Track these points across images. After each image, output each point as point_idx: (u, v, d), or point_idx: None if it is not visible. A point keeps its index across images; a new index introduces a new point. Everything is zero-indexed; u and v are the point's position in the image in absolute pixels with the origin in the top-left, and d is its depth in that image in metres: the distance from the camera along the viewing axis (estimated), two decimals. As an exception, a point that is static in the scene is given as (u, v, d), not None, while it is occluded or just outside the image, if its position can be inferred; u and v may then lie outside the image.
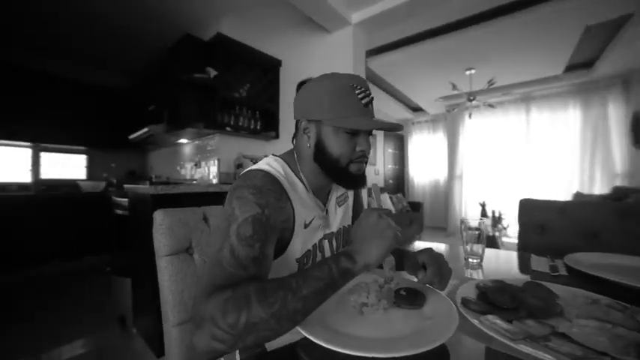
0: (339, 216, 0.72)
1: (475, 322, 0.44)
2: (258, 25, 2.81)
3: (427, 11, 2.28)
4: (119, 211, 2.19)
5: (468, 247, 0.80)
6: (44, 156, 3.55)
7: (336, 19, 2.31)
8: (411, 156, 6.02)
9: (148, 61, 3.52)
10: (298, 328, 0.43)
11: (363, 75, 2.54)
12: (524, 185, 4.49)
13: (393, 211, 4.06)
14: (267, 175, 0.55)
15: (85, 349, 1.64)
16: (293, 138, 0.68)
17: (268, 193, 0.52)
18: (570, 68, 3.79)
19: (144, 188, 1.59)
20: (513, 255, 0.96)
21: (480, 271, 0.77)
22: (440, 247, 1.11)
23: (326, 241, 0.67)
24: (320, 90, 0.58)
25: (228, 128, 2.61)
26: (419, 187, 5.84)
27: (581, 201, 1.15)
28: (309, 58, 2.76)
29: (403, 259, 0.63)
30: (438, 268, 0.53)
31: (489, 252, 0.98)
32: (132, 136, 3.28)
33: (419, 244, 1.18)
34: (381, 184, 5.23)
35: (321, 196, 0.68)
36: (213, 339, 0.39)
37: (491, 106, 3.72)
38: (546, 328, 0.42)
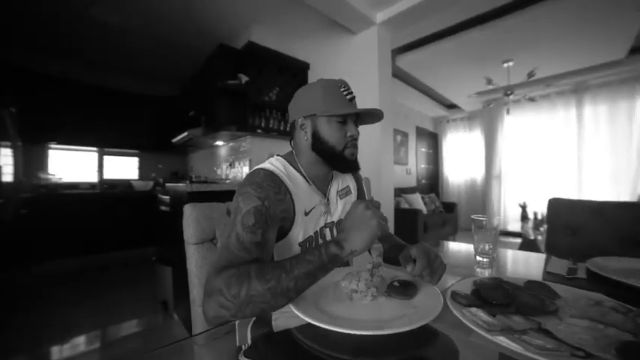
0: (339, 208, 0.77)
1: (457, 313, 0.45)
2: (287, 31, 2.91)
3: (456, 3, 2.19)
4: (163, 208, 2.44)
5: (479, 246, 0.79)
6: (106, 159, 4.05)
7: (360, 20, 2.32)
8: (445, 155, 5.75)
9: (191, 71, 3.84)
10: (291, 307, 0.48)
11: (389, 73, 2.52)
12: (574, 186, 4.06)
13: (425, 211, 3.94)
14: (267, 172, 0.63)
15: (134, 329, 1.87)
16: (290, 140, 0.76)
17: (268, 187, 0.60)
18: (637, 50, 3.33)
19: (181, 186, 1.77)
20: (534, 256, 0.92)
21: (489, 270, 0.76)
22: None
23: (327, 229, 0.74)
24: (313, 90, 0.68)
25: (259, 130, 2.75)
26: (454, 187, 5.56)
27: (620, 202, 1.05)
28: (337, 60, 2.80)
29: (400, 252, 0.66)
30: (427, 261, 0.55)
31: (509, 253, 0.95)
32: (174, 140, 3.60)
33: (452, 246, 1.17)
34: (414, 183, 5.07)
35: (321, 186, 0.75)
36: (220, 307, 0.46)
37: (531, 99, 3.41)
38: (530, 324, 0.42)
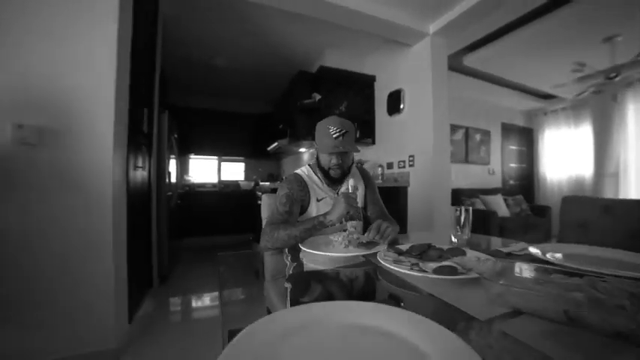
0: None
1: (378, 253, 0.81)
2: (353, 52, 3.35)
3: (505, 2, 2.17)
4: (259, 201, 3.24)
5: (454, 230, 1.05)
6: (223, 165, 5.38)
7: (414, 35, 2.55)
8: (542, 151, 4.99)
9: (279, 92, 4.72)
10: (303, 247, 0.93)
11: (444, 78, 2.63)
12: None
13: (506, 214, 3.66)
14: (295, 174, 1.14)
15: (239, 291, 2.66)
16: None
17: (293, 182, 1.10)
18: None
19: (268, 185, 2.44)
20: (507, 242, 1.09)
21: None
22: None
23: None
24: (317, 130, 1.13)
25: (329, 139, 3.27)
26: (553, 187, 4.77)
27: (629, 199, 1.08)
28: (398, 71, 3.04)
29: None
30: (377, 230, 0.91)
31: (491, 238, 1.15)
32: (269, 148, 4.51)
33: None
34: (498, 184, 4.67)
35: (334, 187, 1.18)
36: (265, 242, 0.97)
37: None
38: (414, 261, 0.76)
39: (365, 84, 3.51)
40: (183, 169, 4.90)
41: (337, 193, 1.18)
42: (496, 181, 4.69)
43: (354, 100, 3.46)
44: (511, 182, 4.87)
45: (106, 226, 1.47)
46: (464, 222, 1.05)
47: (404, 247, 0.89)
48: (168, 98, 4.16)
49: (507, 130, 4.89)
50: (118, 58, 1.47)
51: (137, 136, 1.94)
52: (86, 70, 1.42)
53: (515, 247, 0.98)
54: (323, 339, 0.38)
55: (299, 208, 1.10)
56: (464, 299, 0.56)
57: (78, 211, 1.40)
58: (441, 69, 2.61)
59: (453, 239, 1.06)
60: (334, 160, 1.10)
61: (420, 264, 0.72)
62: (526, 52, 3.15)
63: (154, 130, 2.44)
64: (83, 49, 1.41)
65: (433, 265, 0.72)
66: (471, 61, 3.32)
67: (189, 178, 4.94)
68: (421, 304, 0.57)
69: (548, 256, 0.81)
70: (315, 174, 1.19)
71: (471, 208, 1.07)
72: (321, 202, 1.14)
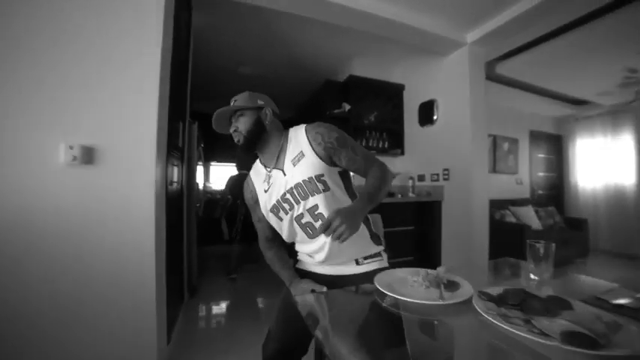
0: (297, 172, 0.93)
1: (475, 301, 0.74)
2: (382, 60, 3.26)
3: (555, 11, 2.05)
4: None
5: (530, 266, 0.97)
6: (241, 170, 5.36)
7: (450, 44, 2.46)
8: (573, 159, 4.78)
9: (304, 98, 4.67)
10: (377, 285, 0.86)
11: (482, 89, 2.53)
12: None
13: (538, 226, 3.50)
14: (244, 178, 1.22)
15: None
16: None
17: (243, 190, 1.21)
18: None
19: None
20: (601, 284, 0.99)
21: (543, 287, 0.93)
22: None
23: (288, 194, 0.95)
24: None
25: (359, 149, 3.20)
26: (586, 198, 4.54)
27: None
28: (430, 81, 2.94)
29: None
30: (326, 227, 0.77)
31: (581, 277, 1.05)
32: (291, 156, 4.46)
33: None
34: (526, 194, 4.49)
35: (267, 165, 1.07)
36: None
37: None
38: (521, 315, 0.67)
39: (394, 93, 3.43)
40: (205, 176, 4.91)
41: (269, 170, 1.04)
42: (524, 191, 4.51)
43: (383, 110, 3.38)
44: (539, 192, 4.67)
45: (149, 240, 1.43)
46: (546, 257, 0.96)
47: (492, 290, 0.81)
48: (192, 105, 4.19)
49: (535, 137, 4.70)
50: (160, 79, 1.45)
51: (173, 152, 1.92)
52: (134, 94, 1.41)
53: (617, 292, 0.88)
54: None
55: (259, 207, 1.08)
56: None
57: (125, 228, 1.37)
58: (478, 79, 2.51)
59: (533, 277, 0.97)
60: (231, 129, 1.05)
61: (534, 322, 0.64)
62: (566, 59, 3.00)
63: (185, 142, 2.43)
64: (133, 74, 1.40)
65: (548, 322, 0.64)
66: (505, 69, 3.20)
67: (210, 185, 4.94)
68: None
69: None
70: (260, 161, 1.12)
71: (554, 245, 0.98)
72: (267, 194, 1.01)
